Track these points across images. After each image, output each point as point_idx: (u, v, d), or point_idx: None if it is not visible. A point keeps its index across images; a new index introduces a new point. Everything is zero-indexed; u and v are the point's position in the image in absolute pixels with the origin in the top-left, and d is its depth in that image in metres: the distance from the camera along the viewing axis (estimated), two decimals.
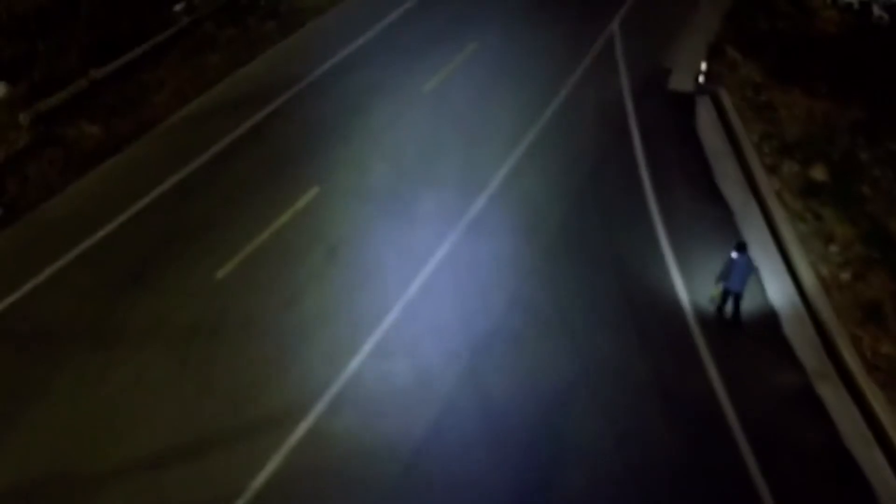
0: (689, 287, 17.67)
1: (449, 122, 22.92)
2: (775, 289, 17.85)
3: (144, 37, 25.99)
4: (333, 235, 18.90)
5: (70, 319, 16.90)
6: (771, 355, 16.45)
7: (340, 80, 25.07)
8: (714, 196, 20.41)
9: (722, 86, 24.51)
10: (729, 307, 17.00)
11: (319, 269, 18.05)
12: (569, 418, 14.97)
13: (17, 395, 15.32)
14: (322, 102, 23.97)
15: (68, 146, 21.99)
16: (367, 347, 16.15)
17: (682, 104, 24.06)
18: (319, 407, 14.95)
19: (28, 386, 15.46)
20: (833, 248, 18.55)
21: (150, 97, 24.14)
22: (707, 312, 17.09)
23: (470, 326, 16.72)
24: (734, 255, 16.68)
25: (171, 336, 16.47)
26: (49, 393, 15.32)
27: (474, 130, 22.53)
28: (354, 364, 15.79)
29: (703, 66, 24.72)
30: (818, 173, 20.74)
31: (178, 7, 27.87)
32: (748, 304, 17.25)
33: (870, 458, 14.54)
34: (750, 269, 16.84)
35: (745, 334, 16.92)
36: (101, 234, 19.03)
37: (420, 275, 17.84)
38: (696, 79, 24.57)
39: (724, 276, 16.69)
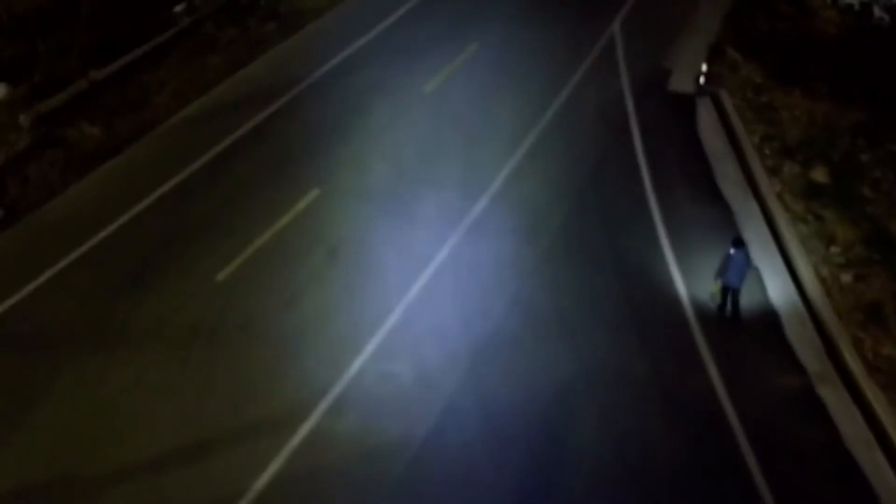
0: (690, 288, 17.67)
1: (450, 122, 22.91)
2: (776, 290, 17.85)
3: (145, 38, 25.97)
4: (334, 237, 18.89)
5: (70, 321, 16.89)
6: (772, 356, 16.45)
7: (341, 80, 25.05)
8: (715, 197, 20.40)
9: (722, 87, 24.49)
10: (729, 304, 17.06)
11: (320, 270, 18.04)
12: (569, 419, 14.98)
13: (17, 396, 15.31)
14: (322, 103, 23.96)
15: (69, 147, 21.96)
16: (369, 349, 16.14)
17: (682, 105, 24.04)
18: (321, 408, 14.96)
19: (28, 387, 15.46)
20: (834, 250, 18.54)
21: (151, 98, 24.11)
22: (708, 313, 17.10)
23: (471, 328, 16.71)
24: (732, 250, 16.76)
25: (172, 337, 16.46)
26: (49, 394, 15.32)
27: (475, 131, 22.52)
28: (356, 365, 15.79)
29: (704, 67, 24.72)
30: (819, 175, 20.74)
31: (178, 8, 27.84)
32: (750, 306, 17.29)
33: (871, 459, 14.54)
34: (747, 265, 16.92)
35: (745, 333, 16.95)
36: (101, 235, 19.01)
37: (421, 276, 17.84)
38: (697, 80, 24.56)
39: (721, 271, 16.76)
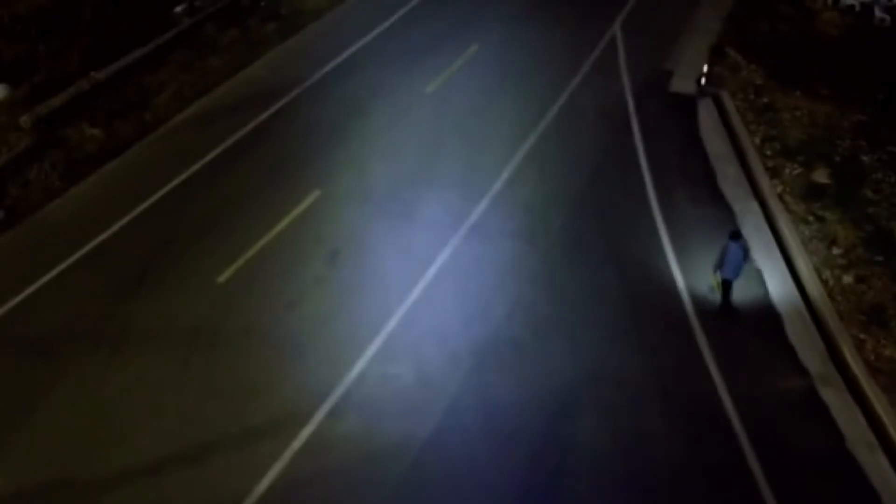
0: (692, 289, 17.66)
1: (451, 123, 22.91)
2: (778, 291, 17.82)
3: (145, 39, 26.00)
4: (335, 238, 18.88)
5: (71, 322, 16.89)
6: (773, 358, 16.41)
7: (341, 81, 25.06)
8: (716, 198, 20.37)
9: (723, 88, 24.49)
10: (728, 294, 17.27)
11: (321, 272, 18.03)
12: (570, 419, 14.98)
13: (18, 397, 15.32)
14: (323, 104, 23.96)
15: (70, 149, 21.97)
16: (370, 351, 16.13)
17: (683, 106, 24.04)
18: (322, 410, 14.95)
19: (29, 388, 15.46)
20: (836, 251, 18.52)
21: (152, 99, 24.13)
22: (710, 314, 17.07)
23: (472, 329, 16.71)
24: (729, 243, 16.84)
25: (173, 339, 16.46)
26: (50, 395, 15.33)
27: (476, 132, 22.53)
28: (357, 368, 15.78)
29: (705, 68, 24.72)
30: (820, 176, 20.73)
31: (178, 9, 27.88)
32: (751, 307, 17.32)
33: (873, 461, 14.50)
34: (744, 258, 17.01)
35: (747, 334, 16.91)
36: (102, 237, 19.02)
37: (422, 278, 17.83)
38: (698, 81, 24.55)
39: (719, 264, 16.85)
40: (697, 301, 17.42)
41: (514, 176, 20.92)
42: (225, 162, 21.57)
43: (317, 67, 25.74)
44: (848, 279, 17.84)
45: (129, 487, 13.74)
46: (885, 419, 14.98)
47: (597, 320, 17.01)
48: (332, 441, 14.47)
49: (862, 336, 16.63)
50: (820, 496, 13.97)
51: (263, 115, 23.43)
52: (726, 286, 17.04)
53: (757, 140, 22.27)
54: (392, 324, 16.77)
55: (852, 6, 28.19)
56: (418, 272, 17.99)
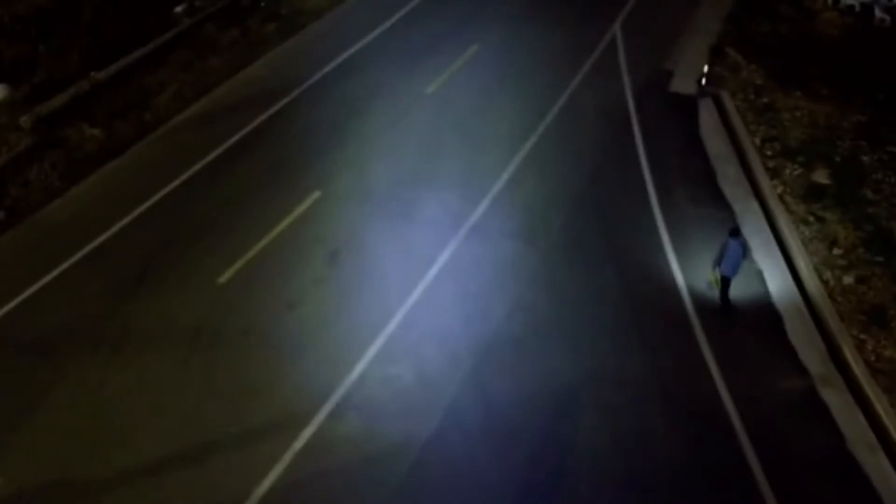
0: (692, 289, 17.66)
1: (451, 124, 22.91)
2: (778, 291, 17.82)
3: (145, 39, 26.01)
4: (335, 239, 18.87)
5: (71, 323, 16.87)
6: (774, 358, 16.40)
7: (341, 82, 25.06)
8: (717, 198, 20.36)
9: (723, 88, 24.49)
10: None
11: (321, 273, 18.02)
12: (571, 420, 14.98)
13: (18, 398, 15.30)
14: (323, 105, 23.96)
15: (70, 149, 21.97)
16: (370, 352, 16.11)
17: (684, 106, 24.04)
18: (323, 411, 14.93)
19: (29, 389, 15.44)
20: (836, 251, 18.52)
21: (152, 100, 24.13)
22: (711, 315, 17.06)
23: (472, 330, 16.70)
24: (729, 240, 16.90)
25: (173, 340, 16.45)
26: (50, 396, 15.31)
27: (477, 133, 22.53)
28: (358, 369, 15.77)
29: (705, 68, 24.72)
30: (820, 176, 20.73)
31: (178, 9, 27.88)
32: (752, 307, 17.34)
33: (873, 462, 14.50)
34: (742, 255, 17.09)
35: (743, 329, 16.94)
36: (102, 237, 19.01)
37: (422, 279, 17.82)
38: (698, 81, 24.55)
39: (718, 260, 16.92)
40: (698, 301, 17.42)
41: (514, 176, 20.92)
42: (225, 162, 21.57)
43: (317, 68, 25.75)
44: (848, 279, 17.84)
45: (129, 488, 13.72)
46: (886, 420, 14.98)
47: (597, 320, 17.01)
48: (332, 442, 14.45)
49: (862, 336, 16.63)
50: (820, 496, 13.96)
51: (264, 116, 23.43)
52: (725, 283, 17.08)
53: (757, 140, 22.28)
54: (392, 324, 16.76)
55: (852, 6, 28.21)
56: (418, 273, 17.98)
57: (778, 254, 18.77)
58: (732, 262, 16.84)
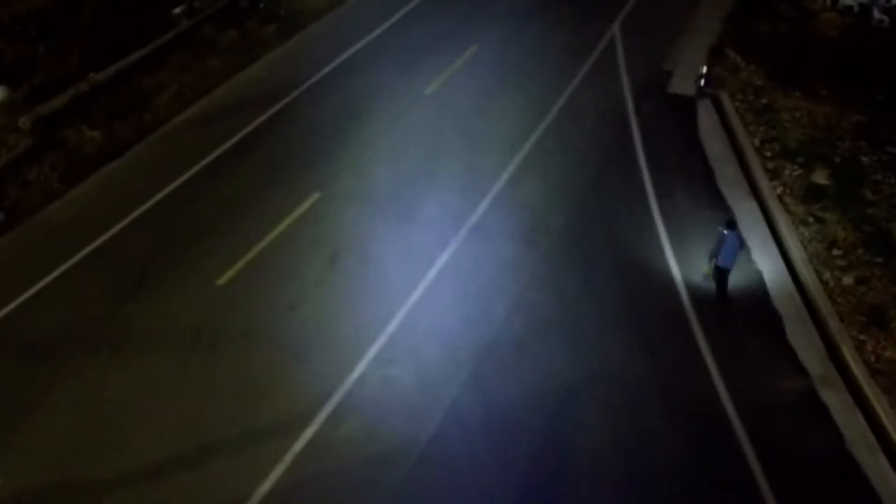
0: (691, 289, 17.68)
1: (451, 125, 22.92)
2: (778, 292, 17.82)
3: (144, 40, 26.01)
4: (335, 240, 18.87)
5: (71, 324, 16.88)
6: (774, 359, 16.41)
7: (341, 83, 25.07)
8: (716, 199, 20.35)
9: (723, 89, 24.50)
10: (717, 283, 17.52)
11: (321, 274, 18.02)
12: (571, 420, 14.99)
13: (18, 400, 15.31)
14: (322, 106, 23.96)
15: (69, 150, 21.97)
16: (371, 353, 16.12)
17: (683, 107, 24.03)
18: (324, 412, 14.94)
19: (29, 391, 15.45)
20: (836, 252, 18.53)
21: (151, 101, 24.14)
22: (709, 315, 17.07)
23: (473, 330, 16.70)
24: (724, 232, 17.10)
25: (173, 341, 16.45)
26: (50, 397, 15.32)
27: (476, 134, 22.53)
28: (358, 370, 15.77)
29: (704, 69, 24.72)
30: (820, 177, 20.75)
31: (177, 10, 27.86)
32: (751, 308, 17.34)
33: (873, 462, 14.51)
34: (739, 246, 17.30)
35: (742, 330, 16.95)
36: (102, 238, 19.02)
37: (422, 280, 17.82)
38: (697, 82, 24.55)
39: (714, 252, 17.11)
40: (697, 301, 17.43)
41: (514, 176, 20.92)
42: (225, 163, 21.57)
43: (316, 69, 25.74)
44: (848, 280, 17.86)
45: (129, 490, 13.72)
46: (886, 420, 15.00)
47: (597, 320, 17.03)
48: (333, 443, 14.46)
49: (862, 337, 16.65)
50: (820, 497, 13.97)
51: (263, 117, 23.43)
52: (722, 274, 17.25)
53: (756, 141, 22.29)
54: (393, 325, 16.76)
55: (851, 7, 28.22)
56: (419, 273, 17.98)
57: (777, 254, 18.78)
58: (730, 254, 17.05)
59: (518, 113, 23.41)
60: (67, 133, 22.49)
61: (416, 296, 17.46)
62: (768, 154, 21.75)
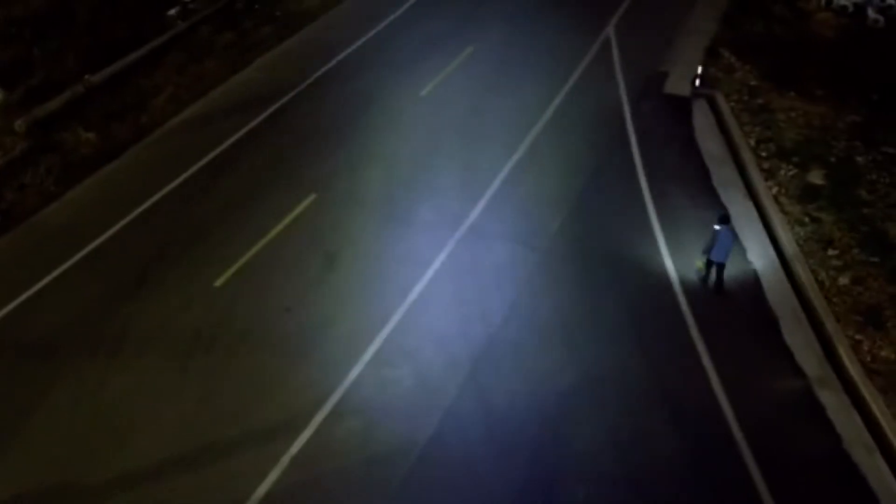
0: (687, 289, 17.69)
1: (446, 126, 22.93)
2: (774, 293, 17.84)
3: (140, 42, 26.02)
4: (332, 242, 18.89)
5: (70, 326, 16.91)
6: (771, 359, 16.43)
7: (337, 84, 25.07)
8: (712, 200, 20.34)
9: (718, 89, 24.54)
10: (712, 277, 17.64)
11: (318, 275, 18.04)
12: (569, 422, 15.01)
13: (17, 402, 15.35)
14: (319, 107, 23.96)
15: (65, 152, 22.00)
16: (368, 355, 16.15)
17: (678, 108, 24.03)
18: (321, 414, 14.98)
19: (28, 393, 15.47)
20: (831, 252, 18.58)
21: (147, 102, 24.17)
22: (706, 316, 17.10)
23: (470, 332, 16.73)
24: (717, 227, 17.19)
25: (171, 343, 16.49)
26: (49, 400, 15.35)
27: (472, 134, 22.55)
28: (355, 371, 15.80)
29: (699, 69, 24.74)
30: (815, 177, 20.79)
31: (172, 12, 27.83)
32: (748, 309, 17.37)
33: (870, 462, 14.55)
34: (732, 241, 17.48)
35: (739, 331, 16.97)
36: (99, 240, 19.05)
37: (419, 281, 17.84)
38: (693, 82, 24.59)
39: (707, 248, 17.29)
40: (693, 301, 17.45)
41: (510, 178, 20.94)
42: (221, 165, 21.58)
43: (312, 70, 25.77)
44: (844, 280, 17.90)
45: (128, 491, 13.76)
46: (882, 420, 15.03)
47: (594, 322, 17.05)
48: (331, 445, 14.49)
49: (858, 337, 16.69)
50: (817, 497, 14.00)
51: (259, 118, 23.44)
52: (720, 268, 17.41)
53: (752, 141, 22.32)
54: (390, 327, 16.79)
55: (846, 7, 28.27)
56: (416, 274, 18.01)
57: (773, 255, 18.80)
58: (725, 249, 17.19)
59: (514, 114, 23.42)
60: (63, 135, 22.53)
61: (413, 297, 17.48)
62: (764, 154, 21.79)
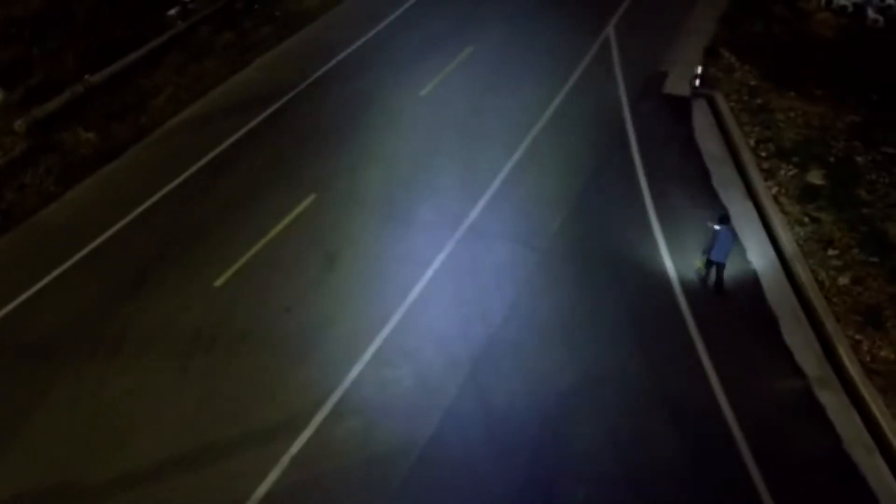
0: (687, 290, 17.70)
1: (446, 126, 22.92)
2: (774, 293, 17.85)
3: (140, 42, 26.00)
4: (331, 242, 18.89)
5: (69, 327, 16.91)
6: (770, 359, 16.44)
7: (336, 84, 25.07)
8: (711, 200, 20.34)
9: (717, 89, 24.53)
10: (712, 277, 17.69)
11: (318, 275, 18.04)
12: (569, 421, 15.02)
13: (17, 402, 15.36)
14: (318, 107, 23.96)
15: (65, 152, 21.99)
16: (368, 355, 16.16)
17: (678, 108, 24.03)
18: (321, 414, 14.99)
19: (28, 393, 15.47)
20: (831, 252, 18.58)
21: (147, 102, 24.16)
22: (706, 316, 17.11)
23: (470, 332, 16.74)
24: (717, 227, 17.29)
25: (171, 343, 16.49)
26: (49, 400, 15.36)
27: (472, 135, 22.55)
28: (355, 371, 15.81)
29: (699, 69, 24.75)
30: (815, 177, 20.79)
31: (171, 12, 27.82)
32: (748, 309, 17.36)
33: (870, 462, 14.56)
34: (732, 241, 17.55)
35: (739, 331, 16.97)
36: (98, 240, 19.05)
37: (419, 281, 17.84)
38: (692, 82, 24.59)
39: (707, 248, 17.39)
40: (693, 302, 17.46)
41: (510, 177, 20.94)
42: (221, 165, 21.58)
43: (312, 70, 25.76)
44: (844, 280, 17.91)
45: (128, 491, 13.77)
46: (882, 420, 15.04)
47: (594, 322, 17.06)
48: (331, 445, 14.50)
49: (858, 337, 16.70)
50: (817, 497, 14.01)
51: (259, 118, 23.44)
52: (719, 268, 17.45)
53: (751, 141, 22.32)
54: (390, 327, 16.79)
55: (845, 7, 28.26)
56: (416, 274, 18.01)
57: (773, 255, 18.81)
58: (725, 249, 17.24)
59: (514, 113, 23.42)
60: (63, 135, 22.52)
61: (413, 297, 17.49)
62: (763, 154, 21.79)
